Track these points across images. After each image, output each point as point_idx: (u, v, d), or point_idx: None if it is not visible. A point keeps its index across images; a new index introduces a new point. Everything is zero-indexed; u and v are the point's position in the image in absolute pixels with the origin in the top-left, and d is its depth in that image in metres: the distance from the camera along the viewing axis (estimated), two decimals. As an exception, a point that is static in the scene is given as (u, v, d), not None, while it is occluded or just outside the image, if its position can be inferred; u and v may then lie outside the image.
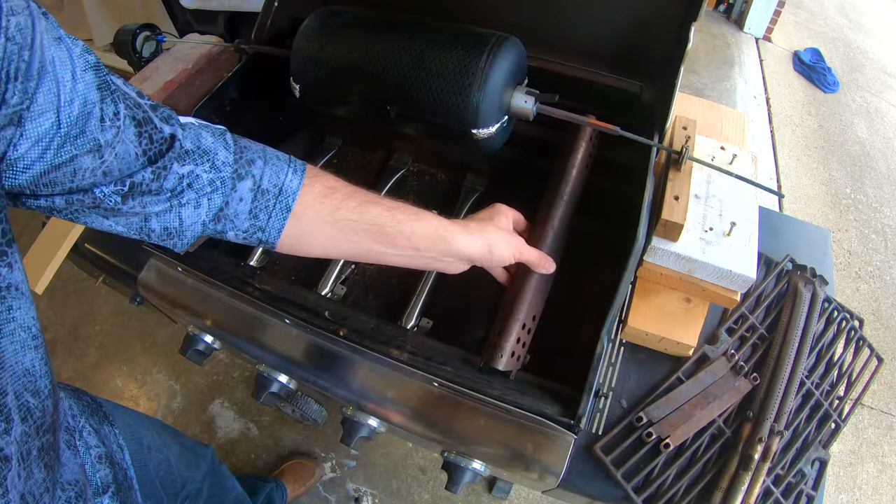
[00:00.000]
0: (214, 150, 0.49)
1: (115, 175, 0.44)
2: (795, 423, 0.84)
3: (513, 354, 0.72)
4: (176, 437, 0.88)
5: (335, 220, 0.54)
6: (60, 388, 0.62)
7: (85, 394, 0.68)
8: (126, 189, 0.45)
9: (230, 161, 0.50)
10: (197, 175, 0.48)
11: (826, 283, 0.97)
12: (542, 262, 0.71)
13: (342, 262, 0.94)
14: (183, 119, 0.50)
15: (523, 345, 0.74)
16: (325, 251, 0.57)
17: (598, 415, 0.82)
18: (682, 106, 1.01)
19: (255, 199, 0.51)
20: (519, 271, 0.77)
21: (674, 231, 0.76)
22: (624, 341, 0.88)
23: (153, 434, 0.77)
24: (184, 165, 0.47)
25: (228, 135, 0.53)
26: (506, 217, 0.69)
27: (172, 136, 0.47)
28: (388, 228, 0.56)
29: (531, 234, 0.79)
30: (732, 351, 0.87)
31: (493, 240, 0.64)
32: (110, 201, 0.45)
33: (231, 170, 0.50)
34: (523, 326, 0.74)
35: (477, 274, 0.96)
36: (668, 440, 0.78)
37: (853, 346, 0.96)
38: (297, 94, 0.90)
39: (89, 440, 0.61)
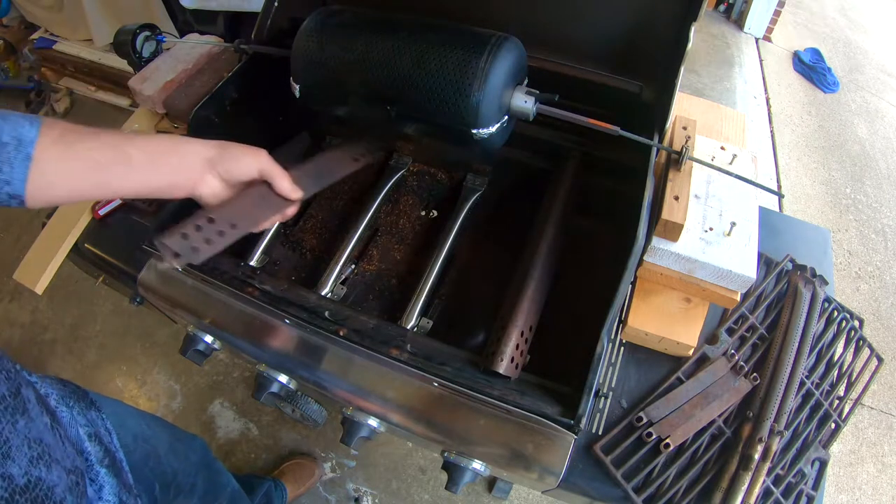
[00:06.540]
0: None
1: None
2: (795, 423, 0.84)
3: (512, 360, 0.72)
4: (165, 428, 0.89)
5: (74, 153, 0.56)
6: (43, 377, 0.64)
7: (70, 383, 0.69)
8: None
9: None
10: None
11: (826, 283, 0.97)
12: (287, 183, 0.68)
13: (342, 261, 0.94)
14: None
15: (521, 352, 0.74)
16: (70, 192, 0.58)
17: (598, 415, 0.82)
18: (682, 106, 1.00)
19: None
20: (514, 280, 0.77)
21: (674, 231, 0.76)
22: (624, 341, 0.88)
23: (141, 425, 0.78)
24: None
25: None
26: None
27: None
28: (125, 146, 0.58)
29: (522, 259, 0.82)
30: (732, 351, 0.87)
31: (227, 143, 0.64)
32: None
33: None
34: (521, 334, 0.74)
35: (477, 275, 0.97)
36: (668, 440, 0.78)
37: (853, 346, 0.96)
38: (297, 95, 0.90)
39: (78, 418, 0.63)
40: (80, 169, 0.56)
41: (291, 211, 0.71)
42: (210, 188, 0.64)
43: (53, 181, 0.55)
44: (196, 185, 0.63)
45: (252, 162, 0.65)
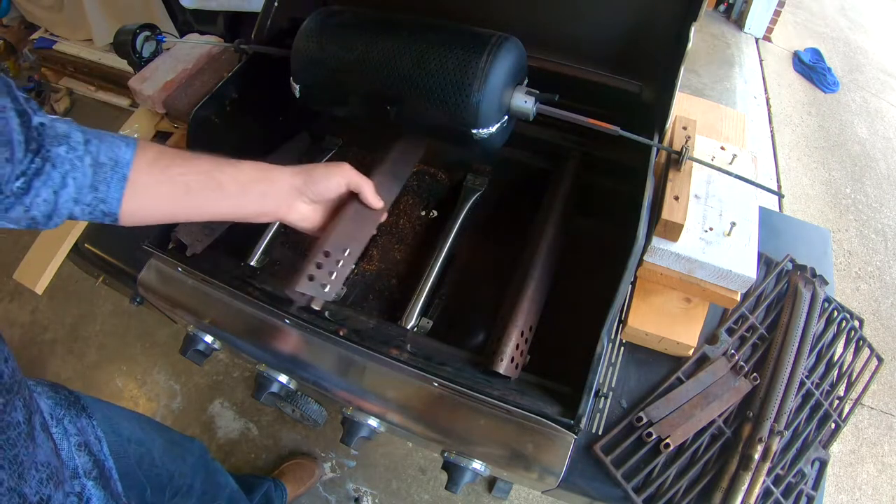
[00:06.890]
0: (69, 132, 0.53)
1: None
2: (795, 423, 0.84)
3: (512, 360, 0.72)
4: (160, 431, 0.89)
5: (168, 177, 0.57)
6: (37, 383, 0.66)
7: (63, 388, 0.70)
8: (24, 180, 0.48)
9: (82, 141, 0.53)
10: (62, 157, 0.52)
11: (826, 283, 0.97)
12: (372, 192, 0.69)
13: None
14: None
15: (521, 352, 0.74)
16: (162, 213, 0.60)
17: (598, 415, 0.82)
18: (682, 106, 1.01)
19: (95, 173, 0.54)
20: (514, 280, 0.77)
21: (674, 231, 0.76)
22: (624, 341, 0.88)
23: (134, 427, 0.78)
24: (59, 147, 0.51)
25: (73, 121, 0.56)
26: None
27: (42, 125, 0.50)
28: (216, 173, 0.60)
29: (522, 259, 0.82)
30: (732, 351, 0.87)
31: (311, 167, 0.66)
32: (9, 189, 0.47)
33: (83, 149, 0.53)
34: (521, 334, 0.74)
35: (477, 275, 0.97)
36: (668, 440, 0.78)
37: (853, 346, 0.96)
38: (297, 95, 0.90)
39: (69, 428, 0.64)
40: (173, 193, 0.58)
41: (384, 217, 0.73)
42: (300, 214, 0.66)
43: (146, 203, 0.57)
44: (286, 213, 0.65)
45: (339, 179, 0.66)
